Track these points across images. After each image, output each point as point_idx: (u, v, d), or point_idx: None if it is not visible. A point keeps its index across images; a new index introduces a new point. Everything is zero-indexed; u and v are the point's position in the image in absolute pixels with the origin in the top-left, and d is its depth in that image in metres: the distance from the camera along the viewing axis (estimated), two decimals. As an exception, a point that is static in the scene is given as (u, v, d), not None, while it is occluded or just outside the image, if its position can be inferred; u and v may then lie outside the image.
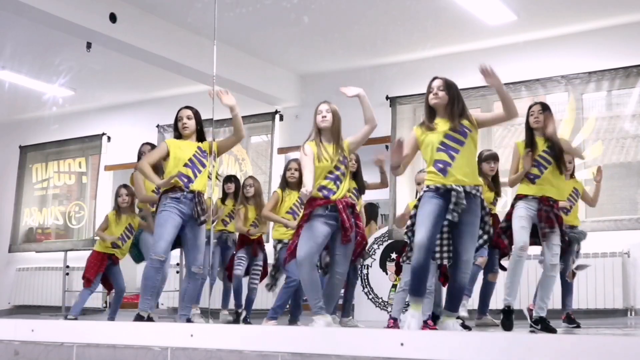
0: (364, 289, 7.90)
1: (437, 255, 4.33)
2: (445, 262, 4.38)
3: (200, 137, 5.32)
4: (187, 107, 5.34)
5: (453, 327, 4.27)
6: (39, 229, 11.13)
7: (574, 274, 5.95)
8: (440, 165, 4.25)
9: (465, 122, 4.31)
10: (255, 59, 8.72)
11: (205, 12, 6.67)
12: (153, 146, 6.41)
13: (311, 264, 4.57)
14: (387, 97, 8.68)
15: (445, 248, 4.34)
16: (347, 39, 8.13)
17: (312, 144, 4.73)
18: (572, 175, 6.08)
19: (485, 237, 4.34)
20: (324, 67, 9.02)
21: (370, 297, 7.89)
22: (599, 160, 7.56)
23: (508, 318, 4.92)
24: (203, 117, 5.47)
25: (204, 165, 5.19)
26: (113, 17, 7.08)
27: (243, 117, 9.43)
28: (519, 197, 5.11)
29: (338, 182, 4.65)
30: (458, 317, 4.64)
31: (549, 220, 4.91)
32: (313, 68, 9.10)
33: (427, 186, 4.29)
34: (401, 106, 8.60)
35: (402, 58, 8.52)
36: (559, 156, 5.00)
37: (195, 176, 5.14)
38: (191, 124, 5.26)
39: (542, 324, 4.88)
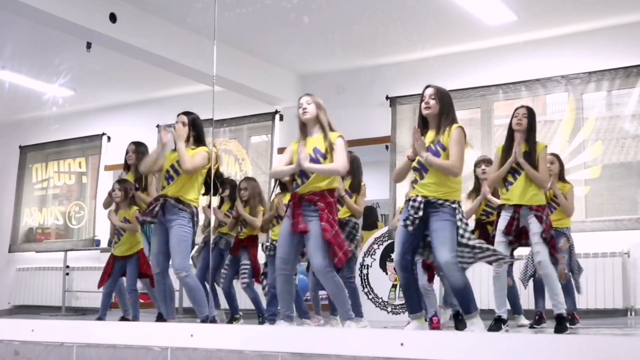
0: (364, 288, 7.89)
1: (424, 255, 4.47)
2: (426, 259, 4.53)
3: (198, 142, 5.30)
4: (183, 113, 5.34)
5: (471, 327, 4.25)
6: (39, 229, 11.12)
7: (565, 275, 5.89)
8: (413, 181, 4.42)
9: (444, 139, 4.31)
10: (255, 58, 8.73)
11: (205, 12, 6.67)
12: (137, 145, 6.45)
13: (283, 274, 4.53)
14: (387, 97, 8.68)
15: (425, 249, 4.45)
16: (347, 39, 8.12)
17: (294, 144, 4.67)
18: (560, 178, 6.01)
19: (468, 243, 4.22)
20: (324, 66, 9.01)
21: (370, 297, 7.88)
22: (599, 160, 7.56)
23: (498, 326, 5.06)
24: (203, 117, 5.47)
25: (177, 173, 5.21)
26: (113, 17, 7.08)
27: (243, 117, 9.59)
28: (500, 206, 5.20)
29: (303, 177, 4.55)
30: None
31: (517, 230, 5.03)
32: (313, 68, 9.10)
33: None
34: (401, 106, 8.60)
35: (402, 58, 8.52)
36: (534, 164, 5.01)
37: (169, 184, 5.21)
38: (183, 130, 5.25)
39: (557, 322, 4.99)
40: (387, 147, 8.66)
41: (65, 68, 8.65)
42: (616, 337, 2.32)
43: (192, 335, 3.12)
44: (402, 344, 2.63)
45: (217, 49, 6.26)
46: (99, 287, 6.52)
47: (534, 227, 4.95)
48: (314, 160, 4.50)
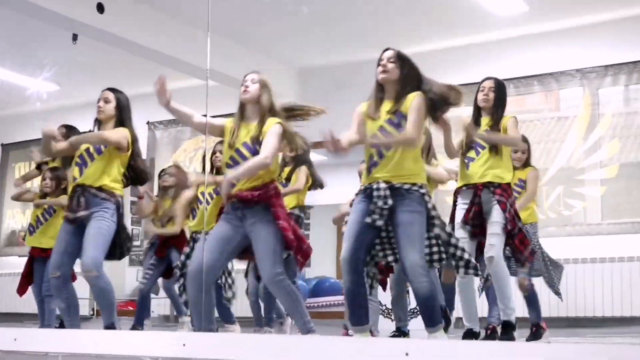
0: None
1: (379, 255, 3.96)
2: (384, 261, 4.02)
3: (121, 124, 4.80)
4: (108, 89, 4.86)
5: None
6: (22, 232, 11.11)
7: (526, 283, 5.26)
8: (368, 164, 3.88)
9: (403, 108, 3.87)
10: (252, 51, 8.72)
11: (198, 2, 6.67)
12: (67, 127, 5.81)
13: (204, 283, 3.94)
14: (391, 92, 8.67)
15: (381, 247, 3.93)
16: (348, 31, 8.12)
17: (229, 122, 4.29)
18: (526, 164, 5.52)
19: (434, 242, 3.80)
20: (324, 60, 9.01)
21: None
22: (616, 158, 7.56)
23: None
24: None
25: (99, 153, 4.66)
26: (100, 7, 7.08)
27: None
28: (457, 192, 4.71)
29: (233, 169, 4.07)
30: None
31: (478, 216, 4.50)
32: (312, 61, 9.10)
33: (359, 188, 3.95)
34: (406, 102, 8.59)
35: (406, 50, 8.39)
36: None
37: (82, 173, 4.64)
38: (108, 107, 4.79)
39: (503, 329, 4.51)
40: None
41: (49, 61, 8.65)
42: (634, 347, 2.32)
43: (184, 345, 3.12)
44: (407, 354, 2.63)
45: (211, 41, 6.25)
46: (20, 294, 6.28)
47: (495, 215, 4.44)
48: (242, 157, 4.10)
